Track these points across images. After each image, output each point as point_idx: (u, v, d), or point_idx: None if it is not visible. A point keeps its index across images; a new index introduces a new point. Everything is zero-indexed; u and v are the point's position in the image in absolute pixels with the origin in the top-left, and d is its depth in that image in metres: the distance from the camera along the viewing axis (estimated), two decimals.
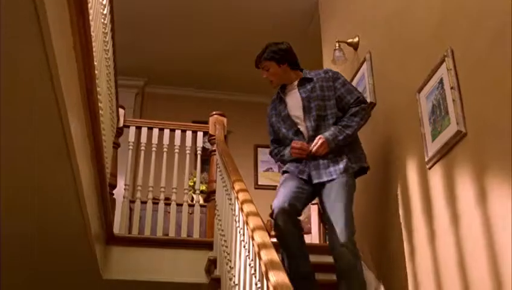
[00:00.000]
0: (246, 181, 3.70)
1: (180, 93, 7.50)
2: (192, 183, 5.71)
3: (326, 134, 3.28)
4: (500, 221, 2.37)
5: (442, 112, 2.85)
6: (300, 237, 3.23)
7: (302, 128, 3.39)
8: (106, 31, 3.66)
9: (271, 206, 3.39)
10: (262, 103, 7.55)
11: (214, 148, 4.79)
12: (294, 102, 3.44)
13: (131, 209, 4.78)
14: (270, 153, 3.66)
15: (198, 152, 4.87)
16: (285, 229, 3.13)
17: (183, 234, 4.52)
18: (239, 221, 3.08)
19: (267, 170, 7.11)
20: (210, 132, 4.90)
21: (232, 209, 3.41)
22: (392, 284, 3.38)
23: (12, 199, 3.07)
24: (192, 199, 5.73)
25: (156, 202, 4.67)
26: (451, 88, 2.77)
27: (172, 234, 4.50)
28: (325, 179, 3.24)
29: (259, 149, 7.29)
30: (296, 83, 3.50)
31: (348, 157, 3.29)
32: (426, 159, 3.00)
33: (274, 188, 6.55)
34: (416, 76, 3.20)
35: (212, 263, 4.10)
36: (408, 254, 3.18)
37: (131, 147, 4.78)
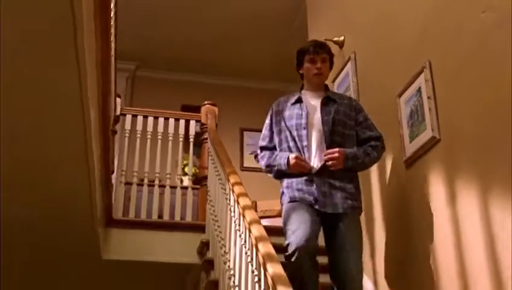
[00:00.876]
0: (233, 163, 4.00)
1: (170, 77, 7.75)
2: (182, 166, 6.00)
3: (348, 150, 3.11)
4: (468, 219, 2.72)
5: (420, 117, 3.18)
6: (317, 277, 2.99)
7: (313, 145, 3.16)
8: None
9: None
10: (248, 87, 7.87)
11: (205, 137, 5.09)
12: (314, 117, 3.22)
13: (126, 193, 5.06)
14: (257, 158, 3.44)
15: (191, 140, 5.16)
16: (307, 271, 2.87)
17: (177, 217, 4.82)
18: (234, 212, 3.39)
19: (252, 152, 7.42)
20: (202, 121, 5.19)
21: (226, 199, 3.71)
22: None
23: (26, 182, 3.34)
24: (182, 181, 6.02)
25: (151, 184, 4.95)
26: (428, 97, 3.09)
27: (166, 217, 4.81)
28: (340, 210, 3.06)
29: (245, 132, 7.58)
30: (319, 98, 3.29)
31: (358, 195, 3.18)
32: (404, 159, 3.33)
33: (259, 170, 6.86)
34: (397, 81, 3.51)
35: (204, 245, 4.43)
36: (384, 246, 3.53)
37: (127, 135, 5.05)
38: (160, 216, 4.85)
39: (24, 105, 2.65)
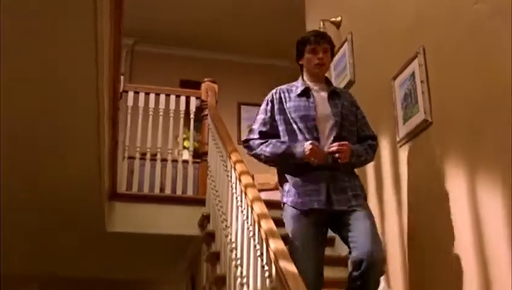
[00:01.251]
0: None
1: (168, 52, 7.87)
2: (183, 140, 6.17)
3: (353, 146, 3.03)
4: (456, 196, 2.91)
5: (413, 100, 3.34)
6: None
7: (322, 138, 3.04)
8: None
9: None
10: (246, 63, 8.00)
11: (205, 113, 5.25)
12: (323, 110, 3.11)
13: (129, 167, 5.23)
14: (249, 145, 3.23)
15: (191, 116, 5.32)
16: None
17: (178, 191, 5.01)
18: (236, 189, 3.56)
19: (249, 126, 7.59)
20: (202, 98, 5.34)
21: (227, 175, 3.88)
22: None
23: (36, 156, 3.49)
24: (182, 155, 6.19)
25: (153, 159, 5.13)
26: (421, 82, 3.26)
27: (168, 191, 4.99)
28: (346, 206, 2.97)
29: (242, 106, 7.73)
30: (324, 90, 3.20)
31: (363, 191, 3.12)
32: (397, 139, 3.51)
33: None
34: (392, 64, 3.67)
35: (205, 218, 4.62)
36: (380, 221, 3.72)
37: (130, 111, 5.21)
38: (162, 190, 5.03)
39: (38, 87, 2.80)
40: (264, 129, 3.18)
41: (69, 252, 5.81)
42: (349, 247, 2.90)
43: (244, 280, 3.11)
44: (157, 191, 4.96)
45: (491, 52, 2.71)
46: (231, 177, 3.76)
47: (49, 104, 2.92)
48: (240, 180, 3.44)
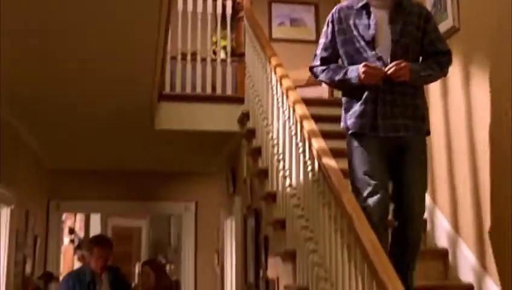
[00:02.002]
0: None
1: None
2: (215, 41, 6.45)
3: (412, 64, 2.86)
4: (478, 100, 3.23)
5: (442, 8, 3.58)
6: (388, 236, 2.88)
7: (382, 57, 2.88)
8: None
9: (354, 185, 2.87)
10: None
11: (241, 15, 5.49)
12: (383, 28, 2.93)
13: (172, 68, 5.56)
14: (313, 72, 3.13)
15: (228, 18, 5.58)
16: (379, 234, 2.47)
17: (218, 91, 5.36)
18: (277, 90, 3.89)
19: (280, 24, 7.77)
20: (237, 0, 5.57)
21: (267, 78, 4.21)
22: None
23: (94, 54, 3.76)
24: (220, 55, 6.49)
25: (194, 58, 5.43)
26: None
27: (208, 90, 5.35)
28: (401, 133, 2.86)
29: (273, 4, 7.89)
30: (387, 5, 2.96)
31: (425, 115, 2.97)
32: None
33: (288, 41, 7.32)
34: None
35: (245, 116, 4.99)
36: None
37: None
38: (203, 90, 5.39)
39: None
40: (325, 55, 3.07)
41: (120, 148, 6.36)
42: (395, 189, 2.90)
43: (287, 173, 3.53)
44: (198, 90, 5.32)
45: None
46: (271, 79, 4.08)
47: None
48: (281, 83, 3.78)
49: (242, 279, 5.37)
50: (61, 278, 6.26)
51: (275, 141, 3.88)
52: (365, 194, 2.75)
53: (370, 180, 2.77)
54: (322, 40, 3.12)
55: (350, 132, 2.91)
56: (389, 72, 2.80)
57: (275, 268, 3.93)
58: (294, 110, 3.39)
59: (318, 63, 3.09)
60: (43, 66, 3.87)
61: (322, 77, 3.06)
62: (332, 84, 3.11)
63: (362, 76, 2.82)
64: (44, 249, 7.07)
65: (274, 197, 3.79)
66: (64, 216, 9.00)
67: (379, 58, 2.87)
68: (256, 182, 4.45)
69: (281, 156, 3.70)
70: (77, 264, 9.87)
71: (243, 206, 5.40)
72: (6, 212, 4.99)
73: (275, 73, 3.95)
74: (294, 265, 3.24)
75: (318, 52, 3.11)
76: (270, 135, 4.02)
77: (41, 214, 7.01)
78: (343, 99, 3.04)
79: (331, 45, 3.06)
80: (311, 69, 3.13)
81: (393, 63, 2.81)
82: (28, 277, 5.88)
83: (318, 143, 2.94)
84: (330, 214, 2.70)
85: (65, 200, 7.48)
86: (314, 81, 3.23)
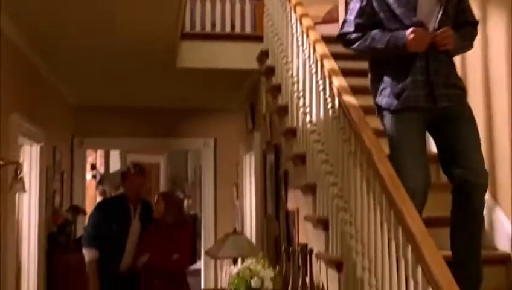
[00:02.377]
0: None
1: None
2: None
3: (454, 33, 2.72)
4: (494, 39, 3.31)
5: None
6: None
7: (425, 23, 2.72)
8: None
9: None
10: None
11: None
12: None
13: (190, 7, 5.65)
14: (344, 40, 2.93)
15: None
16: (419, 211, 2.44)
17: (237, 29, 5.46)
18: (297, 29, 3.97)
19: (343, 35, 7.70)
20: None
21: (287, 17, 4.27)
22: None
23: None
24: None
25: None
26: None
27: (228, 29, 5.45)
28: (452, 103, 2.72)
29: None
30: None
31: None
32: None
33: None
34: None
35: (264, 54, 5.06)
36: None
37: None
38: (222, 28, 5.49)
39: None
40: (361, 21, 2.82)
41: (142, 86, 6.52)
42: (447, 162, 2.76)
43: (307, 110, 3.65)
44: (218, 29, 5.41)
45: None
46: (290, 18, 4.15)
47: None
48: (301, 22, 3.86)
49: (262, 211, 5.60)
50: (88, 210, 6.55)
51: (295, 79, 3.97)
52: (409, 175, 2.55)
53: (413, 162, 2.64)
54: (356, 5, 2.85)
55: (393, 108, 2.72)
56: (438, 38, 2.65)
57: (295, 200, 4.11)
58: (314, 49, 3.49)
59: (352, 29, 2.84)
60: (65, 3, 3.94)
61: (358, 45, 2.82)
62: (371, 53, 2.85)
63: (411, 42, 2.63)
64: (70, 184, 7.35)
65: (294, 132, 3.92)
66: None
67: (421, 25, 2.69)
68: (276, 118, 4.58)
69: (301, 94, 3.81)
70: (99, 199, 10.19)
71: (262, 141, 5.57)
72: (36, 149, 5.20)
73: (295, 12, 4.01)
74: (315, 197, 3.40)
75: (351, 17, 2.85)
76: (290, 72, 4.11)
77: (66, 151, 7.25)
78: (376, 73, 2.87)
79: (368, 10, 2.80)
80: (341, 36, 2.92)
81: (441, 30, 2.66)
82: (57, 209, 6.16)
83: (339, 81, 3.05)
84: (350, 149, 2.82)
85: (88, 136, 7.70)
86: (343, 47, 2.99)
